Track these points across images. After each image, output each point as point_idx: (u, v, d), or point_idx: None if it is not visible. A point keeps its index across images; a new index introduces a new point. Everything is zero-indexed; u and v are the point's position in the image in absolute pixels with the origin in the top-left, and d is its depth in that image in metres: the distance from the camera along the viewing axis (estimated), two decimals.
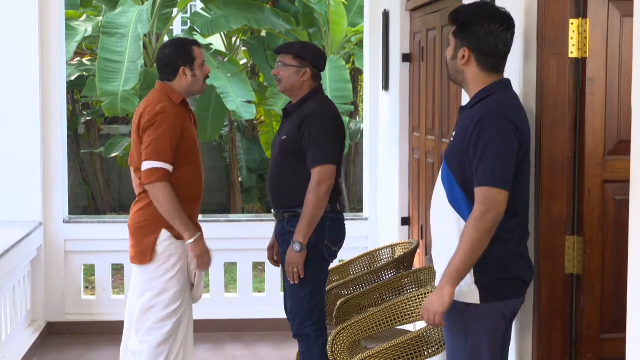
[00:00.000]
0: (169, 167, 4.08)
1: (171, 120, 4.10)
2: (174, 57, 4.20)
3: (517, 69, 3.47)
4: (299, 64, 4.34)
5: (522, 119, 3.12)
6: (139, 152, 4.17)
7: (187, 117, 4.25)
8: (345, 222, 4.47)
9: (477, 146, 2.98)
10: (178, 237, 4.17)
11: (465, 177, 3.05)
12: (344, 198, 11.06)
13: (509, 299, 3.14)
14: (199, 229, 4.27)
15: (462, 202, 3.06)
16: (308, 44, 4.62)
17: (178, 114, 4.16)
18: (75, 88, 11.25)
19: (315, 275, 4.32)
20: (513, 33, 3.15)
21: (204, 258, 4.19)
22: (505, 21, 3.11)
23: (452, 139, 3.16)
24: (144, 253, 4.16)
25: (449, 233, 3.11)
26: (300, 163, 4.26)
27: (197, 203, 4.31)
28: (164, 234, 4.15)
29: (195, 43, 4.32)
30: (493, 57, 3.11)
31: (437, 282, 3.24)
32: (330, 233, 4.32)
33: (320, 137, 4.21)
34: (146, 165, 4.08)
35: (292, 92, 4.40)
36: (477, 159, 2.99)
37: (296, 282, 4.26)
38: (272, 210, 4.50)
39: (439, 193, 3.18)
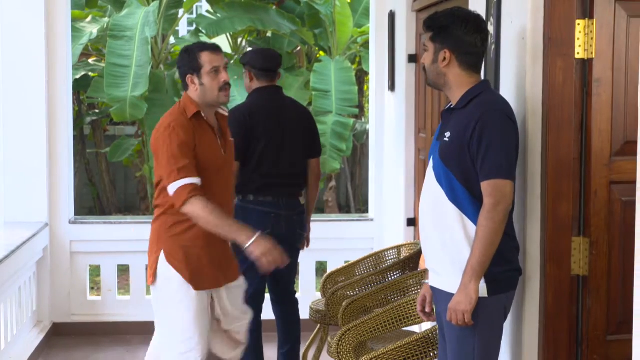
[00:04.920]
0: (196, 180, 3.68)
1: (177, 133, 3.72)
2: (181, 65, 3.86)
3: (523, 70, 3.46)
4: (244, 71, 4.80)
5: (515, 116, 3.22)
6: (156, 168, 3.83)
7: (202, 130, 3.83)
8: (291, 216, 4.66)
9: (481, 143, 3.06)
10: (170, 261, 3.79)
11: (467, 174, 3.11)
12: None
13: (510, 290, 3.24)
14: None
15: (465, 199, 3.12)
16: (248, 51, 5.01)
17: (187, 128, 3.75)
18: (81, 89, 11.23)
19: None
20: (486, 34, 3.26)
21: (267, 257, 3.65)
22: (477, 23, 3.22)
23: (445, 139, 3.17)
24: (149, 273, 3.87)
25: (452, 230, 3.14)
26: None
27: None
28: (162, 255, 3.79)
29: (206, 48, 3.85)
30: (473, 56, 3.19)
31: (429, 279, 3.31)
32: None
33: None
34: (172, 188, 3.68)
35: None
36: (481, 155, 3.06)
37: None
38: None
39: (435, 193, 3.20)
